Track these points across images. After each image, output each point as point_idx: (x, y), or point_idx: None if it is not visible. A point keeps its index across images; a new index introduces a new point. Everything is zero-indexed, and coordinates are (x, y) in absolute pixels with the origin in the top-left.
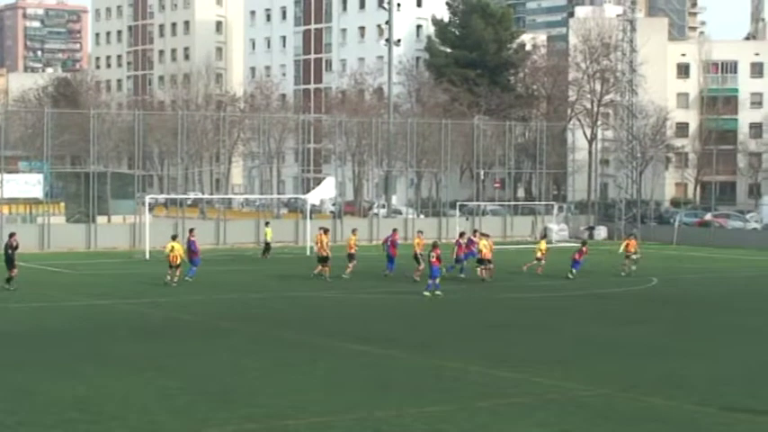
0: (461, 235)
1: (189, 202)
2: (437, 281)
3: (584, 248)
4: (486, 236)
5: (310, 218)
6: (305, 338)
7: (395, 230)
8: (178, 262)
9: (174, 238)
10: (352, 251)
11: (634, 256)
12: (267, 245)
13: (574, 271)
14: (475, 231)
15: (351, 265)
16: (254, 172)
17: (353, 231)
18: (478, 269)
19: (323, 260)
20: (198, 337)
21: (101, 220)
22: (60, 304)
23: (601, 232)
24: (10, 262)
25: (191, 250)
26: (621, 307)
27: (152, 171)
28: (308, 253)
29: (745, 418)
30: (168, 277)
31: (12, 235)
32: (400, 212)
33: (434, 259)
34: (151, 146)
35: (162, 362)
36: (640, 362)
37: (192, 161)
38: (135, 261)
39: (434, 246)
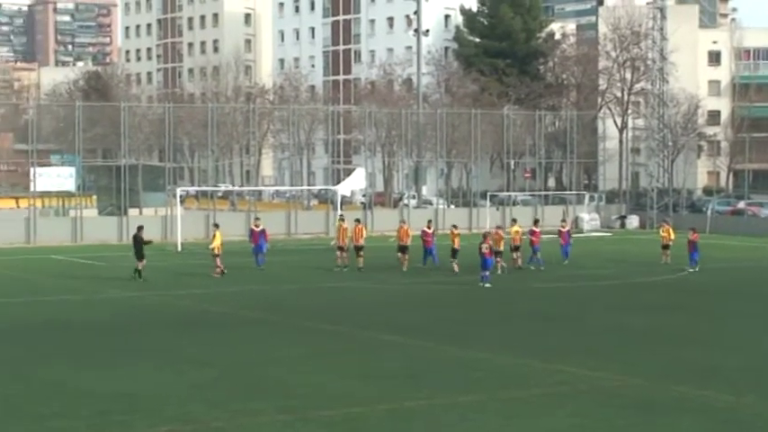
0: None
1: (219, 194)
2: (488, 273)
3: (694, 235)
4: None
5: (341, 209)
6: (336, 329)
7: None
8: (220, 252)
9: (216, 226)
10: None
11: None
12: None
13: (695, 266)
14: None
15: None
16: (284, 163)
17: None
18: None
19: (403, 249)
20: (230, 329)
21: (132, 212)
22: (93, 297)
23: (633, 221)
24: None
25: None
26: (654, 296)
27: (183, 163)
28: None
29: None
30: (218, 269)
31: (140, 228)
32: (431, 203)
33: (487, 251)
34: (181, 138)
35: (195, 353)
36: (673, 351)
37: (222, 153)
38: (167, 253)
39: (485, 237)
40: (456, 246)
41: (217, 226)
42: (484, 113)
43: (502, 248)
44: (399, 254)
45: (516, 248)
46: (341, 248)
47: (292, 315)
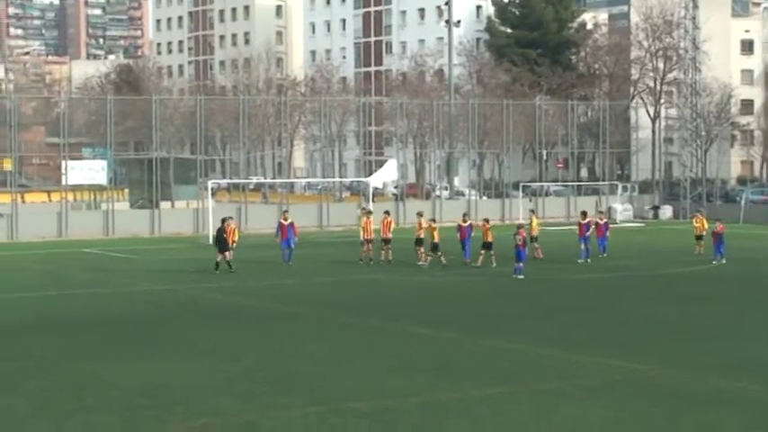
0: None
1: (251, 187)
2: (521, 264)
3: (720, 227)
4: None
5: (372, 201)
6: (366, 322)
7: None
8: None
9: (223, 221)
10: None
11: None
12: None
13: (720, 257)
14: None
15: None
16: (316, 155)
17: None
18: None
19: (418, 242)
20: (261, 322)
21: (164, 205)
22: (124, 290)
23: (666, 212)
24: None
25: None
26: (687, 287)
27: (214, 156)
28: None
29: None
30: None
31: (224, 220)
32: (463, 194)
33: (520, 242)
34: (213, 131)
35: (226, 346)
36: (707, 342)
37: (253, 145)
38: (199, 246)
39: (519, 228)
40: (436, 239)
41: (228, 219)
42: (516, 104)
43: (491, 239)
44: (419, 247)
45: (534, 239)
46: (368, 241)
47: (322, 308)
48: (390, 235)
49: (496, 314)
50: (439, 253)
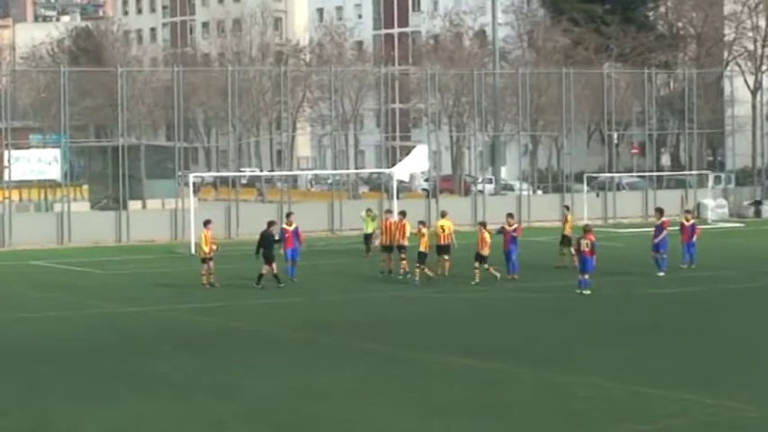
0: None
1: (244, 181)
2: (587, 276)
3: None
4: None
5: (397, 197)
6: (394, 351)
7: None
8: (211, 254)
9: (269, 224)
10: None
11: None
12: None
13: None
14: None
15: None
16: (325, 141)
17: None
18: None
19: (444, 249)
20: (260, 352)
21: (133, 205)
22: (85, 312)
23: None
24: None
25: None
26: None
27: (196, 143)
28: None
29: None
30: (204, 278)
31: (270, 224)
32: (512, 188)
33: (586, 249)
34: (195, 111)
35: (215, 382)
36: None
37: (246, 129)
38: (177, 257)
39: (586, 231)
40: (422, 248)
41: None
42: (578, 73)
43: (487, 252)
44: (444, 255)
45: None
46: (388, 249)
47: (334, 334)
48: (405, 241)
49: (551, 339)
50: (422, 266)
